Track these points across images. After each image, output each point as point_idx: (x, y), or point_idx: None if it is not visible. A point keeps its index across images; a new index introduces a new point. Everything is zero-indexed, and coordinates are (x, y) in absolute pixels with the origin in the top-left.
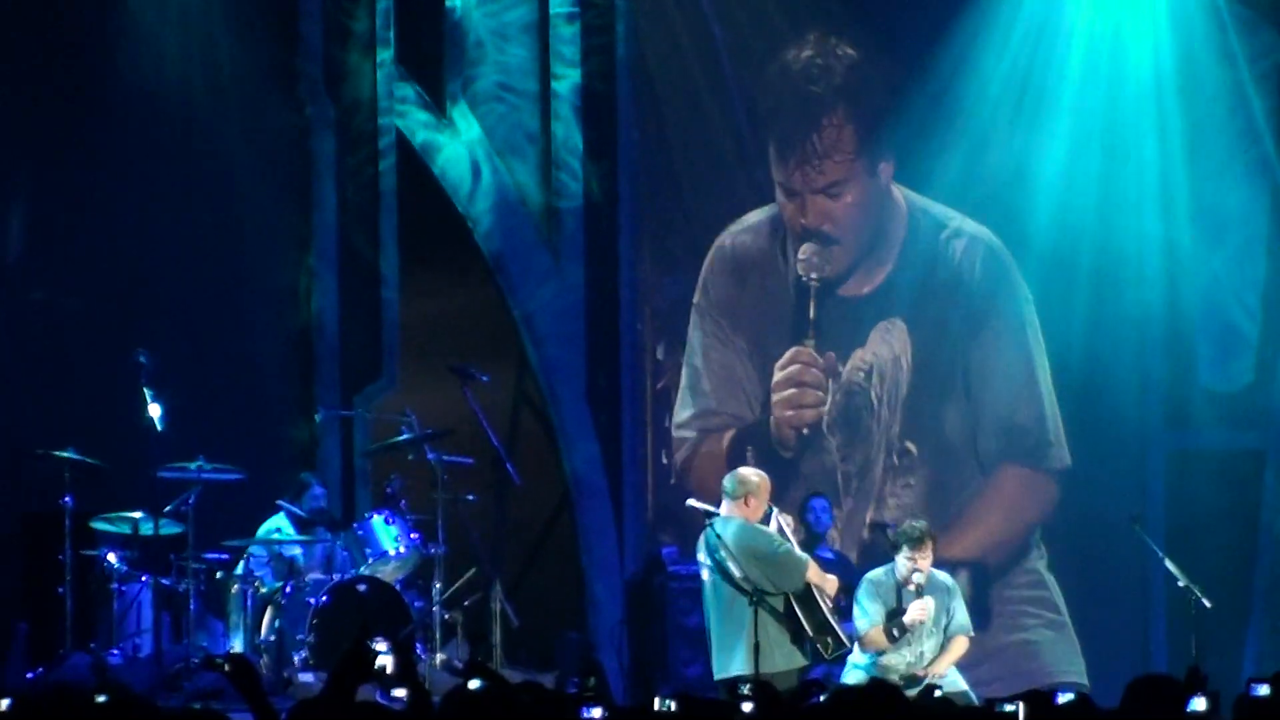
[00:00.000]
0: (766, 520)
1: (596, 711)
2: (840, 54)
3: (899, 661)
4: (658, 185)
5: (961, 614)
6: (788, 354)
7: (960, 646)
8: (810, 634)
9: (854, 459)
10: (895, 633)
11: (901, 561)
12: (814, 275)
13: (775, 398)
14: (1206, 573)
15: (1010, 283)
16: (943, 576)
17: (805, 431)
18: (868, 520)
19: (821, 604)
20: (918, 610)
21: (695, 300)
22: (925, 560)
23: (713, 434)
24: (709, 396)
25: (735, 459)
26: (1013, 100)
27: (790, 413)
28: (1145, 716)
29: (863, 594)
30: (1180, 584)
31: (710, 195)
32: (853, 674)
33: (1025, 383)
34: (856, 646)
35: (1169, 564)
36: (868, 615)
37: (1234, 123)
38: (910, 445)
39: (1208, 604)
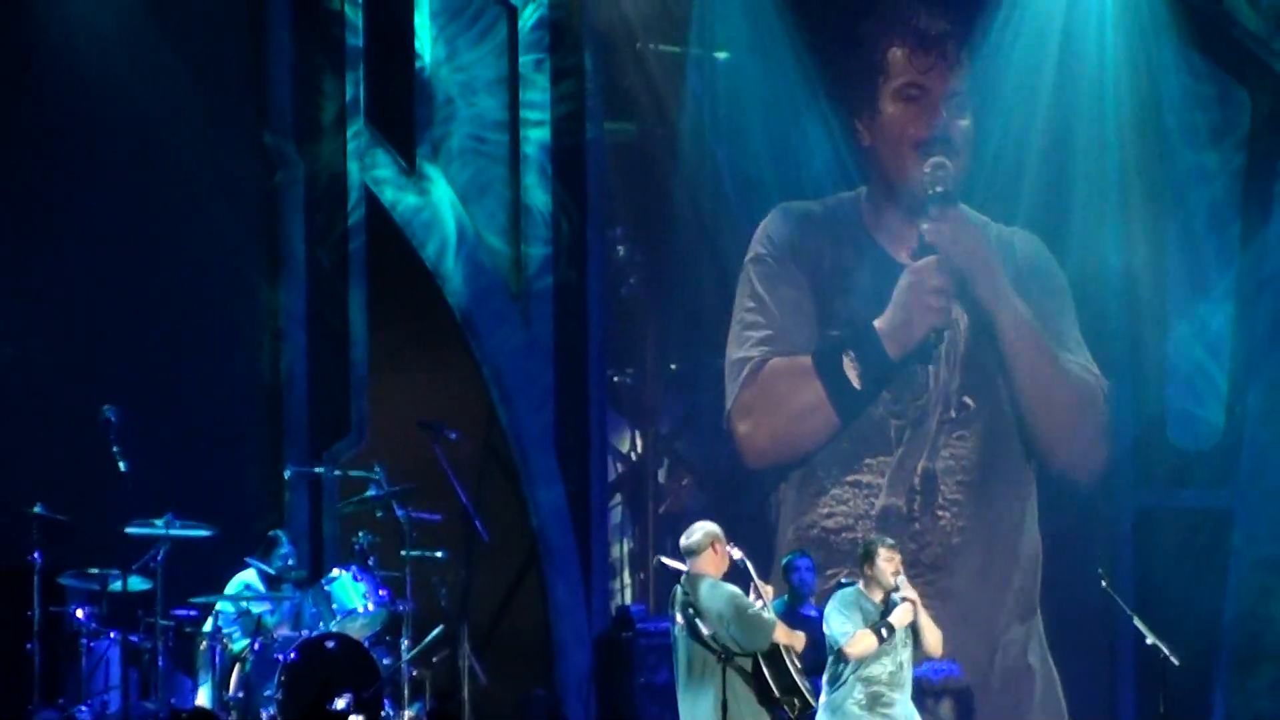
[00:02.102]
0: (741, 570)
1: None
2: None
3: (881, 671)
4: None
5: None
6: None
7: (939, 631)
8: (777, 695)
9: (907, 413)
10: (884, 632)
11: (881, 564)
12: (939, 187)
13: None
14: (1174, 631)
15: (1057, 269)
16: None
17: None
18: (918, 469)
19: (789, 664)
20: (906, 610)
21: (750, 256)
22: (900, 563)
23: (780, 356)
24: (770, 327)
25: (826, 366)
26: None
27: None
28: None
29: (836, 608)
30: (1148, 641)
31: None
32: (836, 711)
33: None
34: (827, 683)
35: (1137, 622)
36: (850, 621)
37: (1200, 186)
38: (969, 400)
39: (1175, 662)
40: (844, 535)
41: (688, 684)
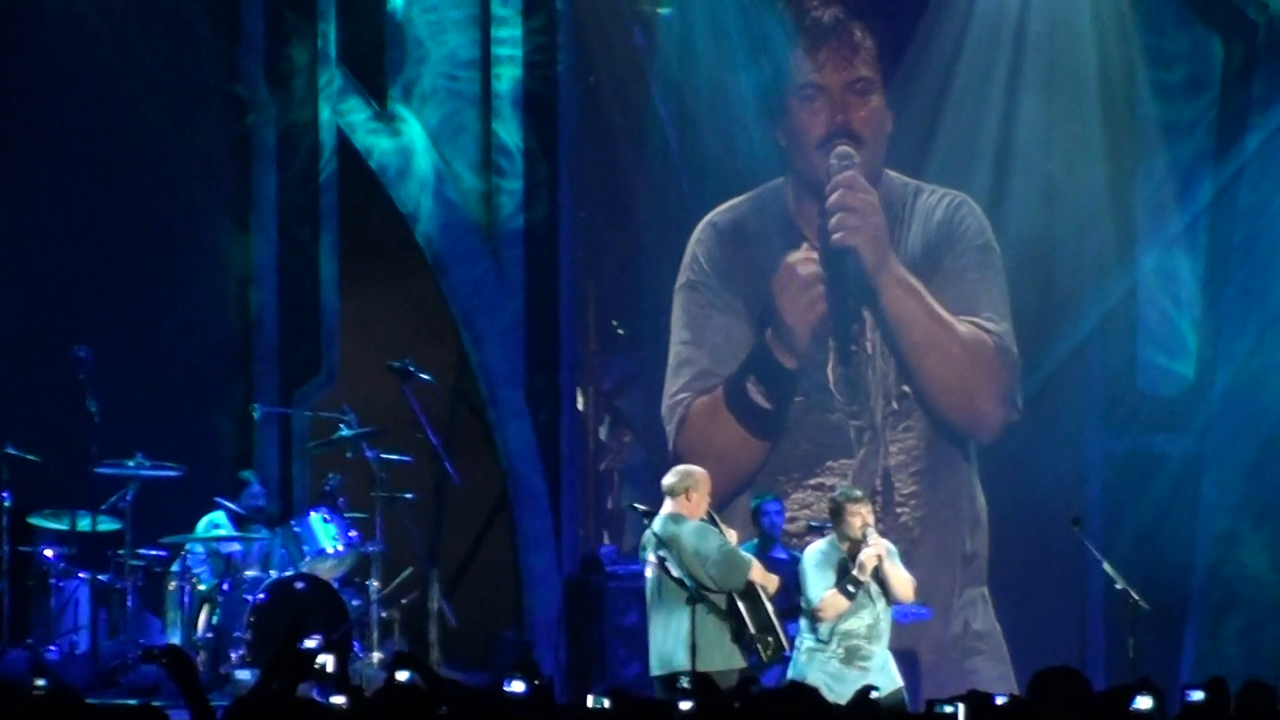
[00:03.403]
0: (710, 521)
1: (519, 685)
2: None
3: (859, 625)
4: (600, 191)
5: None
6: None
7: (907, 576)
8: (753, 632)
9: (861, 414)
10: (850, 588)
11: (849, 518)
12: (841, 175)
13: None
14: (1144, 576)
15: (985, 230)
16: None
17: (810, 335)
18: (879, 469)
19: (766, 603)
20: (869, 557)
21: (682, 281)
22: (870, 515)
23: (703, 395)
24: (704, 361)
25: (733, 396)
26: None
27: (795, 315)
28: (1066, 710)
29: (809, 565)
30: (1118, 586)
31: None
32: (813, 659)
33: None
34: (807, 629)
35: (1107, 566)
36: (823, 580)
37: (1168, 123)
38: (906, 388)
39: (1145, 607)
40: (807, 539)
41: (658, 623)
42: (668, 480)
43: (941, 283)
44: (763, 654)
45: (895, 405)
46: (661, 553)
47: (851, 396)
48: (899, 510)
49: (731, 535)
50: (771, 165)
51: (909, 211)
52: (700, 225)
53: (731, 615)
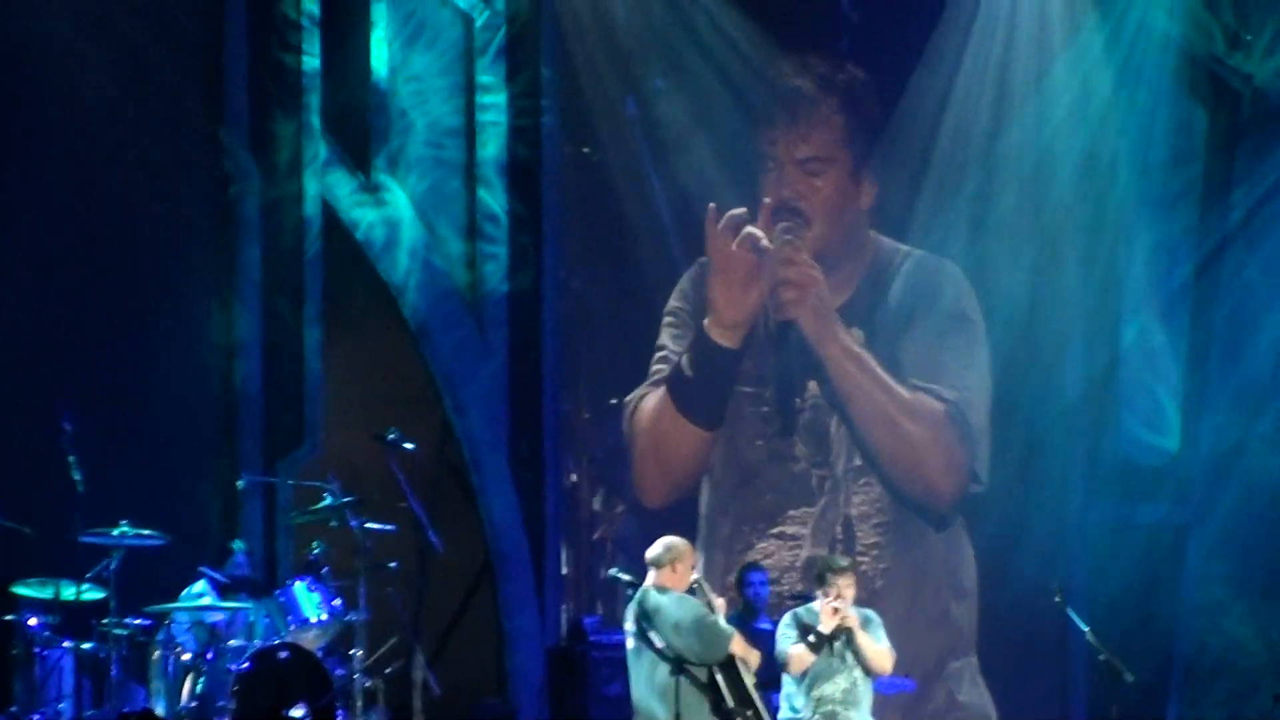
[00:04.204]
0: (691, 591)
1: None
2: (844, 67)
3: (834, 690)
4: (586, 251)
5: (884, 640)
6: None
7: (884, 647)
8: (731, 705)
9: (825, 462)
10: (812, 639)
11: (828, 588)
12: (785, 249)
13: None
14: (1128, 646)
15: (965, 298)
16: (865, 610)
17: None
18: (841, 516)
19: (744, 677)
20: (829, 612)
21: (668, 308)
22: (848, 588)
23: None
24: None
25: (675, 383)
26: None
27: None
28: None
29: (784, 624)
30: (1101, 657)
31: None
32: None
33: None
34: (784, 701)
35: (1090, 637)
36: (788, 639)
37: (1153, 196)
38: None
39: (1130, 677)
40: (770, 588)
41: (641, 695)
42: (652, 552)
43: (910, 346)
44: None
45: (858, 460)
46: (644, 624)
47: (817, 446)
48: (859, 559)
49: (719, 604)
50: None
51: (894, 274)
52: (693, 266)
53: (711, 688)
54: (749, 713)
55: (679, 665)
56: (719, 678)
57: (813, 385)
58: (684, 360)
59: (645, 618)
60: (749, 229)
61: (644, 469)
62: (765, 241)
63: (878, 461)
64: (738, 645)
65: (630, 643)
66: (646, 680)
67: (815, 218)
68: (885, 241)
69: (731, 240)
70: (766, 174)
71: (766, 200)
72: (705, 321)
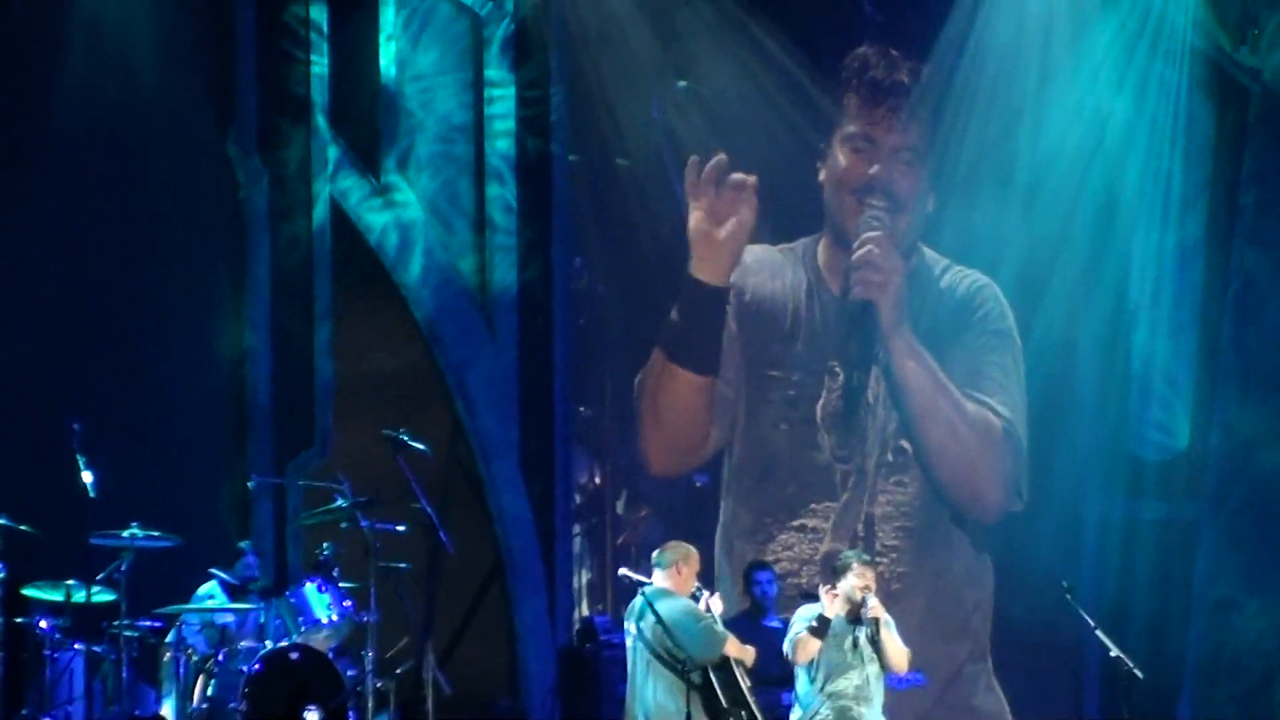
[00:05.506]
0: (695, 598)
1: None
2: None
3: (846, 686)
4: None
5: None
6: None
7: (903, 646)
8: (725, 705)
9: (851, 458)
10: (814, 623)
11: (851, 578)
12: (869, 233)
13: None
14: (1139, 643)
15: (1005, 316)
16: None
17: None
18: (861, 514)
19: (740, 679)
20: (828, 602)
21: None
22: (873, 580)
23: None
24: None
25: (667, 333)
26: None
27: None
28: None
29: (795, 619)
30: (1113, 654)
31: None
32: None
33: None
34: (796, 702)
35: (1101, 634)
36: (795, 631)
37: (1162, 196)
38: (905, 443)
39: (1140, 674)
40: (789, 580)
41: (637, 693)
42: (657, 554)
43: (954, 359)
44: None
45: (890, 457)
46: (641, 623)
47: (843, 439)
48: (879, 559)
49: (716, 604)
50: (790, 234)
51: (935, 286)
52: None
53: (705, 688)
54: (743, 713)
55: (674, 664)
56: (713, 677)
57: (842, 373)
58: (673, 310)
59: (642, 617)
60: (736, 175)
61: (645, 433)
62: (745, 178)
63: (930, 461)
64: (733, 647)
65: (629, 640)
66: (642, 678)
67: (904, 205)
68: (926, 251)
69: (713, 186)
70: (860, 154)
71: (859, 177)
72: (690, 264)
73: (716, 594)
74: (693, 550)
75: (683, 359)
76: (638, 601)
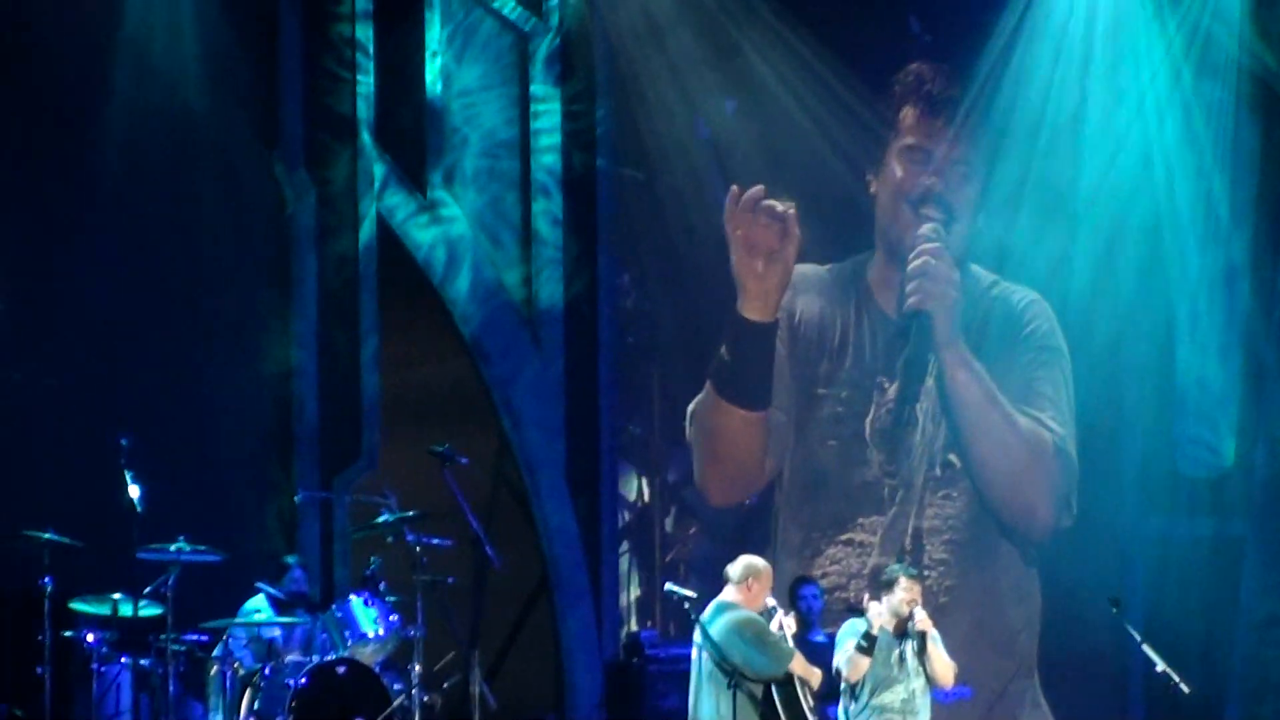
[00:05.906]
0: (769, 616)
1: None
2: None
3: (893, 699)
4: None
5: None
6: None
7: (949, 660)
8: None
9: (898, 472)
10: (863, 643)
11: (899, 592)
12: (926, 245)
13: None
14: (1184, 658)
15: (1055, 333)
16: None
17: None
18: (909, 529)
19: (802, 699)
20: (875, 615)
21: None
22: (920, 594)
23: None
24: None
25: (717, 372)
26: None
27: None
28: None
29: (842, 634)
30: (1158, 669)
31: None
32: None
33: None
34: (842, 714)
35: (1147, 649)
36: (843, 648)
37: (1209, 215)
38: (953, 457)
39: (1186, 690)
40: (836, 594)
41: (702, 703)
42: (730, 568)
43: (1005, 374)
44: None
45: (939, 471)
46: (707, 634)
47: (890, 454)
48: (925, 573)
49: (790, 624)
50: (839, 251)
51: (984, 302)
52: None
53: (766, 703)
54: None
55: (736, 678)
56: (774, 694)
57: (891, 389)
58: (723, 348)
59: (708, 628)
60: (767, 201)
61: (703, 467)
62: (783, 209)
63: (981, 476)
64: (799, 665)
65: (694, 653)
66: (706, 691)
67: (959, 216)
68: (974, 268)
69: (750, 215)
70: (916, 165)
71: (914, 187)
72: (737, 303)
73: (791, 614)
74: (765, 566)
75: (734, 396)
76: (708, 613)
